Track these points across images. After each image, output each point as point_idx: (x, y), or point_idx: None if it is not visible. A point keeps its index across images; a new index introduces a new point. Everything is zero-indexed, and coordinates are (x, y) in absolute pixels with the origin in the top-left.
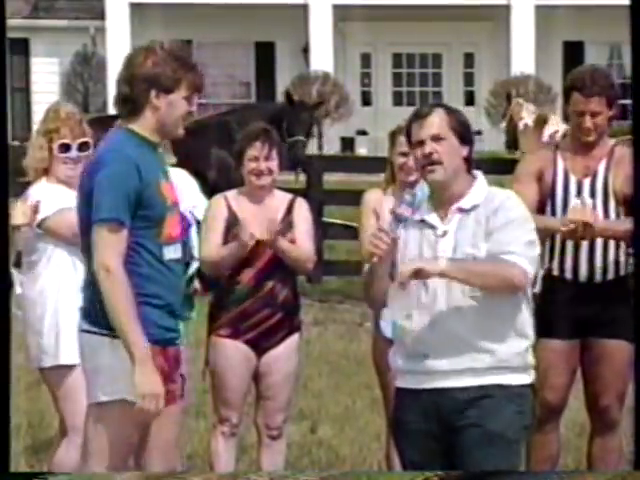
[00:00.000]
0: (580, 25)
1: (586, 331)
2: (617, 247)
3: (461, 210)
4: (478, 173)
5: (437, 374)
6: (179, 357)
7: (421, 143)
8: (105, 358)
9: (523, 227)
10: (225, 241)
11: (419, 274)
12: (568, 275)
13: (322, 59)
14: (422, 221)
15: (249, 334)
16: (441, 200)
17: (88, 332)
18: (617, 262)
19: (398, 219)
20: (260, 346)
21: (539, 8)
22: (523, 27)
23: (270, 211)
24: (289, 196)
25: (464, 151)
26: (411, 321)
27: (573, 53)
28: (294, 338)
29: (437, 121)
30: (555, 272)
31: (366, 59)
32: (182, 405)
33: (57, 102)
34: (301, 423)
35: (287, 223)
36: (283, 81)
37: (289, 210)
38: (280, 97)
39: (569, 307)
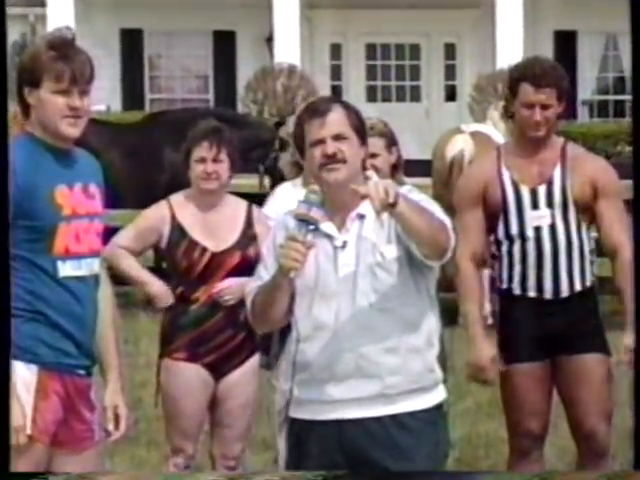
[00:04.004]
0: (573, 13)
1: (556, 349)
2: (581, 257)
3: (360, 216)
4: (372, 174)
5: (343, 403)
6: (84, 390)
7: (321, 142)
8: None
9: (435, 206)
10: (169, 253)
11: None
12: (531, 293)
13: (288, 50)
14: (315, 230)
15: (208, 357)
16: (336, 206)
17: None
18: (583, 272)
19: (309, 223)
20: (219, 370)
21: None
22: (510, 15)
23: (223, 219)
24: (243, 204)
25: (362, 152)
26: (311, 343)
27: (565, 44)
28: (254, 360)
29: (338, 119)
30: (516, 291)
31: (336, 50)
32: (97, 448)
33: None
34: (264, 454)
35: (250, 236)
36: (245, 74)
37: (249, 221)
38: (241, 91)
39: (536, 326)
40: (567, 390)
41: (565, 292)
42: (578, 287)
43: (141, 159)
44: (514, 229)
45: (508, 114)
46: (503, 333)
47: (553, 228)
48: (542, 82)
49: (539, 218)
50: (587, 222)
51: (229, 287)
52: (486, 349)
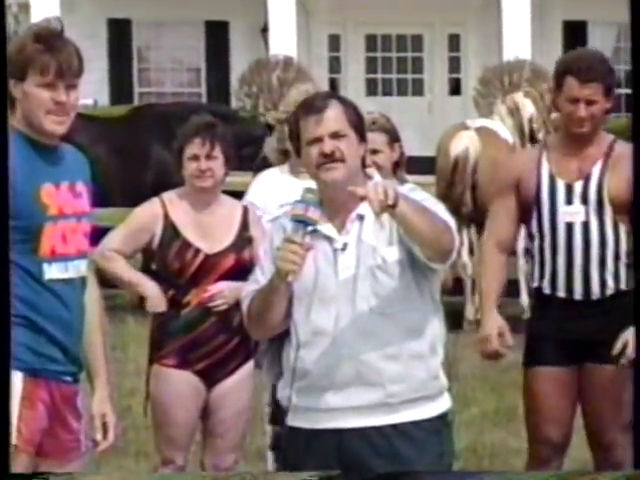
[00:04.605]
0: (583, 2)
1: (583, 355)
2: (616, 258)
3: (361, 217)
4: (373, 172)
5: (343, 411)
6: (71, 397)
7: (317, 140)
8: None
9: (439, 205)
10: (161, 253)
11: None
12: (561, 293)
13: (284, 41)
14: (314, 231)
15: (200, 364)
16: (335, 207)
17: None
18: (617, 275)
19: (306, 224)
20: (211, 377)
21: None
22: (517, 4)
23: (218, 220)
24: (239, 205)
25: (361, 149)
26: (310, 349)
27: (575, 35)
28: (248, 366)
29: (335, 116)
30: (546, 290)
31: (334, 41)
32: (83, 460)
33: None
34: (258, 464)
35: (246, 238)
36: (238, 66)
37: (244, 223)
38: (235, 84)
39: (564, 329)
40: (589, 400)
41: (596, 294)
42: (610, 290)
43: (127, 154)
44: (546, 223)
45: (555, 108)
46: (530, 333)
47: (586, 226)
48: (588, 76)
49: (572, 214)
50: (629, 223)
51: (221, 291)
52: (493, 320)
